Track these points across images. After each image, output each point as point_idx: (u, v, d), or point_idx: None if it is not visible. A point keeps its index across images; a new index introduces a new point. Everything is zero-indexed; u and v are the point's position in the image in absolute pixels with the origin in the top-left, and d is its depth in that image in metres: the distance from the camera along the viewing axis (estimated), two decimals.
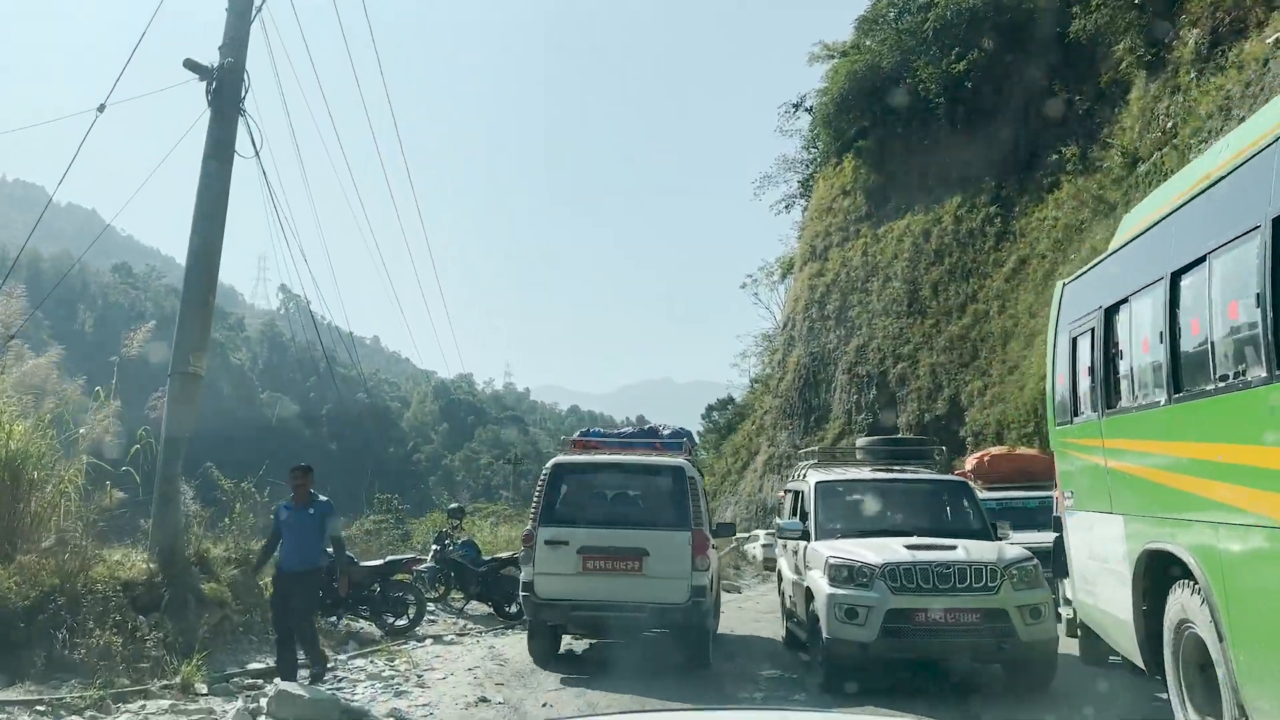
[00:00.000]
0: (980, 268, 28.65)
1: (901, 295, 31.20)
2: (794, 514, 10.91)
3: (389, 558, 13.13)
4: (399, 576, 12.73)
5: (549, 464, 10.28)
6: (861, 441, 11.94)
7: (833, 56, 36.68)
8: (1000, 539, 9.52)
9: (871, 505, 10.15)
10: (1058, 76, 27.43)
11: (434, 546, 15.00)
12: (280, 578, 8.96)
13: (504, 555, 14.84)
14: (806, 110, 39.15)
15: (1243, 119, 19.46)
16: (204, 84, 11.27)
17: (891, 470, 10.96)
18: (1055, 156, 26.43)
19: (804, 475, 10.83)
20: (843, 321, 34.04)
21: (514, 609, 13.77)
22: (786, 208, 43.31)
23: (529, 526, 9.92)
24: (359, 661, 10.43)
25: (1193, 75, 21.79)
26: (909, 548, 8.56)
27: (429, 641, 11.89)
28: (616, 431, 12.49)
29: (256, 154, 11.69)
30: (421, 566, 13.89)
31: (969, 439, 26.65)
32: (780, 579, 11.63)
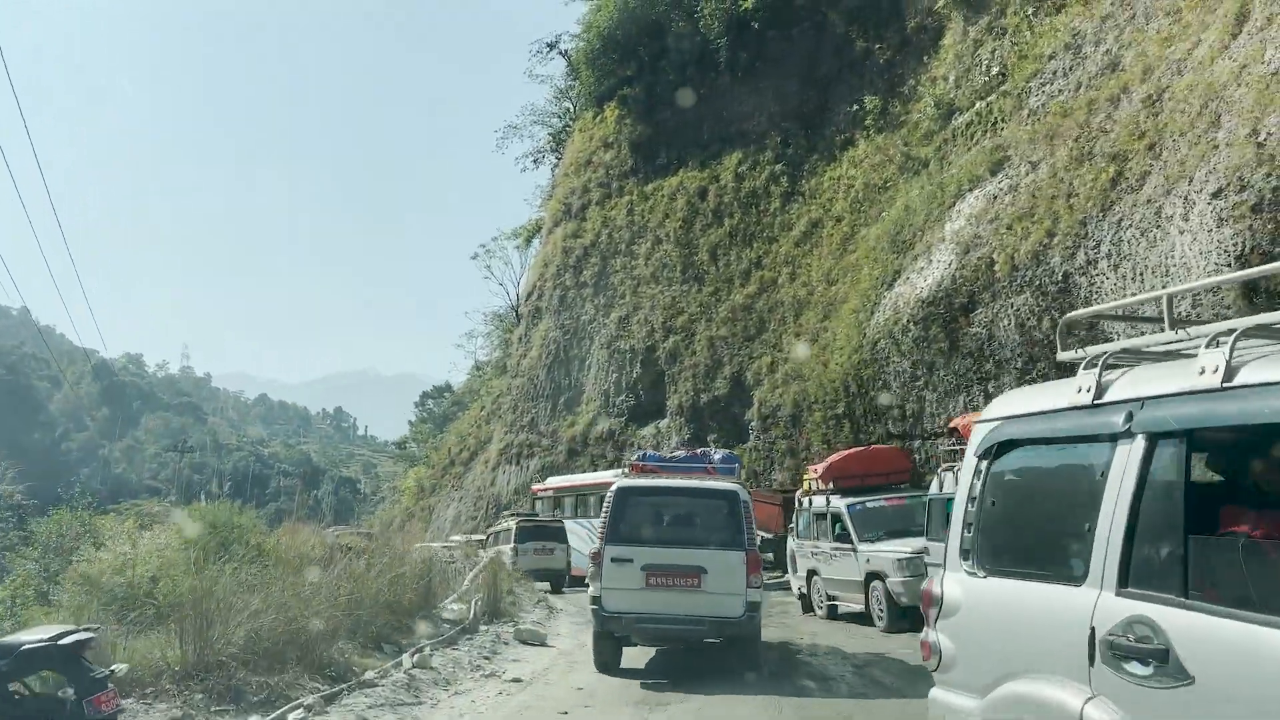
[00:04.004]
0: (766, 231, 25.41)
1: (674, 260, 27.40)
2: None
3: None
4: None
5: (613, 487, 10.83)
6: None
7: None
8: None
9: None
10: (856, 21, 24.72)
11: None
12: None
13: (38, 639, 6.14)
14: (562, 54, 34.53)
15: (1108, 52, 17.25)
16: None
17: None
18: (854, 108, 23.67)
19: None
20: (602, 289, 29.76)
21: None
22: (535, 162, 38.43)
23: (597, 545, 10.49)
24: None
25: (1026, 14, 19.51)
26: None
27: None
28: (670, 455, 13.16)
29: None
30: None
31: (754, 422, 23.24)
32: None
